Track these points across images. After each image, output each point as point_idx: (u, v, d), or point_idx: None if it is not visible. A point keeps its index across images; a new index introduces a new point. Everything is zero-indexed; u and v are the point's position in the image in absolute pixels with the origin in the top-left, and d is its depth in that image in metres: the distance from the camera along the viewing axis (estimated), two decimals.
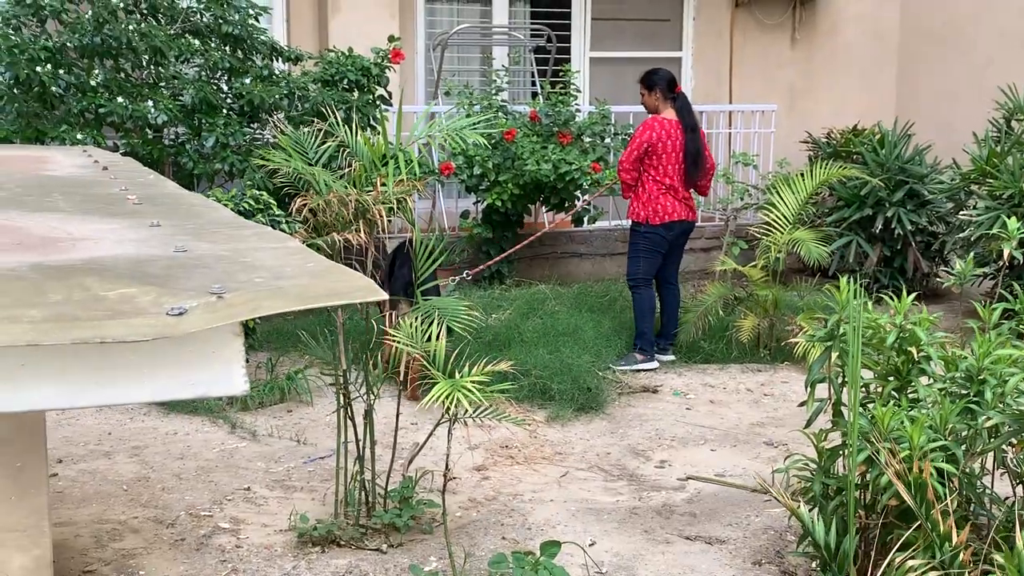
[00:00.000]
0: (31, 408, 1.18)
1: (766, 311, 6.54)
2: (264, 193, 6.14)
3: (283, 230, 6.00)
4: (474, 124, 4.50)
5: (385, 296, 1.35)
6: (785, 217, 6.54)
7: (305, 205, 4.49)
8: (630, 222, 6.33)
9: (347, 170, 4.85)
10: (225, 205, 5.86)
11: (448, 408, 3.79)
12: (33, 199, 2.33)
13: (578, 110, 8.26)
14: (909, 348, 3.64)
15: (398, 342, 3.91)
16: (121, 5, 6.49)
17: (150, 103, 6.39)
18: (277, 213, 6.11)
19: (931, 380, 3.60)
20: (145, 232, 1.84)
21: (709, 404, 5.85)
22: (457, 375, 3.77)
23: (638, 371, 6.23)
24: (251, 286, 1.35)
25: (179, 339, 1.22)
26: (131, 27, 6.43)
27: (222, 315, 1.23)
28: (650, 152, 6.16)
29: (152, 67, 6.68)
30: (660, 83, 6.26)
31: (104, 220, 2.01)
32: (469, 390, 3.60)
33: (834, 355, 3.75)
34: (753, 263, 6.69)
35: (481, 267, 7.12)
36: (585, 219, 8.23)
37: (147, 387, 1.27)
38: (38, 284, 1.37)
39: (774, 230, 6.53)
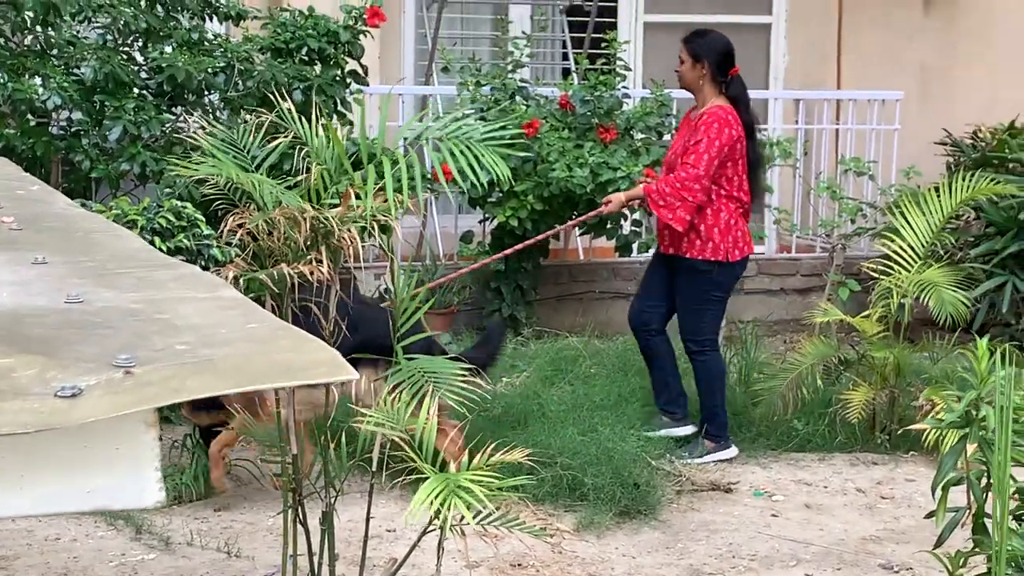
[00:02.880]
0: None
1: (884, 380, 6.54)
2: (188, 205, 6.20)
3: (214, 257, 6.05)
4: (492, 132, 4.53)
5: (355, 376, 1.37)
6: (912, 249, 6.55)
7: (241, 225, 4.53)
8: (693, 261, 6.17)
9: (303, 177, 4.90)
10: (134, 221, 5.92)
11: (438, 512, 3.80)
12: None
13: (626, 95, 8.32)
14: None
15: (371, 420, 3.92)
16: None
17: (37, 79, 6.48)
18: (205, 233, 6.16)
19: None
20: (26, 272, 1.87)
21: (803, 509, 5.82)
22: (452, 467, 3.78)
23: (707, 463, 6.23)
24: (171, 356, 1.38)
25: (71, 431, 1.24)
26: None
27: (131, 399, 1.25)
28: (726, 158, 6.15)
29: (39, 28, 6.77)
30: (712, 54, 6.17)
31: None
32: (469, 490, 3.61)
33: (972, 447, 3.75)
34: (867, 312, 6.69)
35: (448, 276, 7.14)
36: (634, 246, 8.26)
37: (25, 496, 1.28)
38: None
39: (897, 267, 6.53)
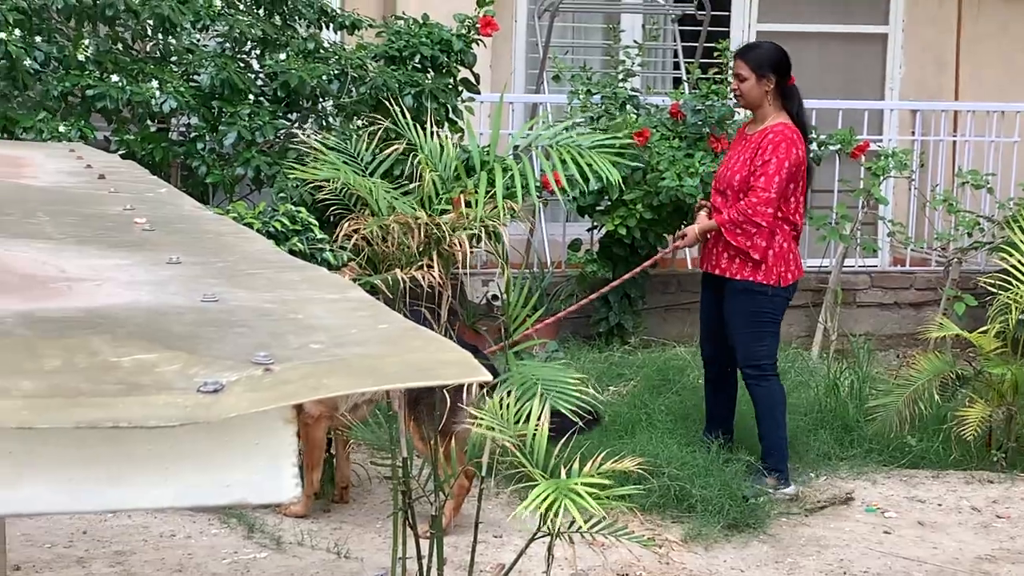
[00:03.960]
0: (18, 512, 1.24)
1: (1002, 397, 6.44)
2: (302, 210, 6.30)
3: (327, 261, 6.14)
4: (602, 140, 4.55)
5: (488, 376, 1.39)
6: None
7: (356, 231, 4.61)
8: (745, 283, 5.93)
9: (416, 185, 4.96)
10: (249, 225, 6.03)
11: (546, 519, 3.82)
12: (11, 219, 2.45)
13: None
14: None
15: (481, 424, 3.96)
16: None
17: (155, 83, 6.63)
18: (319, 237, 6.25)
19: None
20: (162, 272, 1.92)
21: (917, 527, 5.77)
22: (563, 473, 3.80)
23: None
24: (307, 355, 1.41)
25: (212, 426, 1.27)
26: None
27: (272, 395, 1.28)
28: (790, 179, 5.90)
29: (159, 36, 6.94)
30: (775, 65, 5.96)
31: (107, 253, 2.10)
32: (580, 495, 3.63)
33: None
34: (984, 328, 6.59)
35: (571, 308, 6.90)
36: None
37: (170, 488, 1.33)
38: (29, 343, 1.44)
39: (1016, 282, 6.43)
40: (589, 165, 4.51)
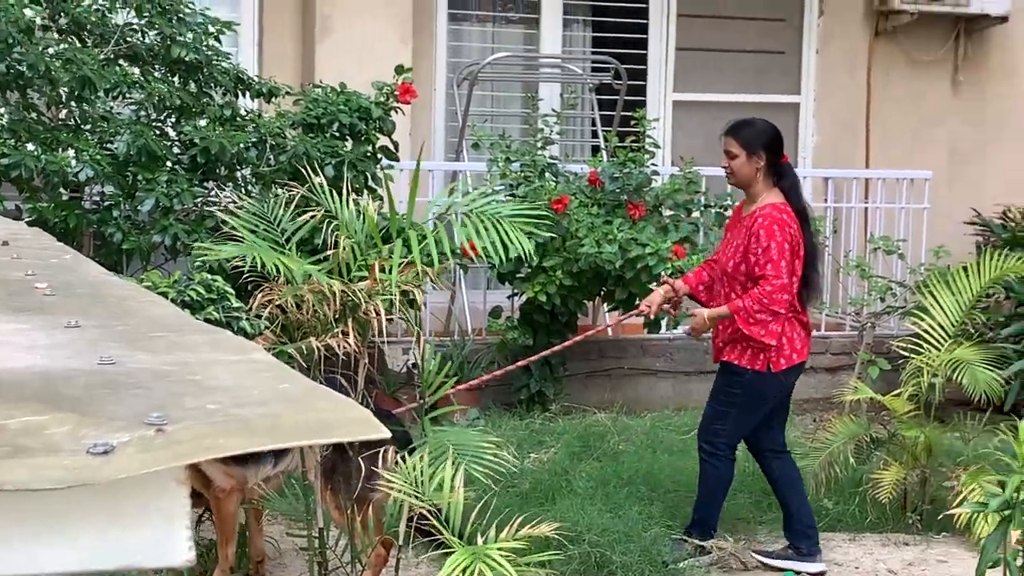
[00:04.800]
0: None
1: (916, 459, 6.49)
2: (218, 279, 6.23)
3: (243, 330, 6.08)
4: (519, 210, 4.57)
5: (388, 434, 1.38)
6: (943, 328, 6.54)
7: (271, 300, 4.58)
8: (729, 364, 5.78)
9: (333, 252, 4.94)
10: (164, 294, 5.96)
11: None
12: None
13: (655, 172, 8.37)
14: None
15: (397, 490, 3.93)
16: (36, 20, 6.71)
17: (71, 152, 6.55)
18: (235, 306, 6.18)
19: None
20: (60, 335, 1.88)
21: None
22: (480, 540, 3.77)
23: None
24: (203, 415, 1.38)
25: (105, 489, 1.24)
26: (49, 49, 6.64)
27: (164, 455, 1.26)
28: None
29: (75, 104, 6.87)
30: (765, 142, 5.78)
31: (6, 317, 2.05)
32: (496, 562, 3.60)
33: (1016, 532, 3.72)
34: (898, 391, 6.66)
35: (494, 373, 6.86)
36: (663, 322, 8.26)
37: (59, 552, 1.29)
38: None
39: (927, 346, 6.51)
40: (505, 234, 4.52)
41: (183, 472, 1.31)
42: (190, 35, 7.09)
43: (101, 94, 6.86)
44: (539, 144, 8.44)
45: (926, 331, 6.58)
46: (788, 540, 5.97)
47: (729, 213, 8.33)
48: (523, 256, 7.63)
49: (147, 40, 7.15)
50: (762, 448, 6.04)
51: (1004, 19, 10.13)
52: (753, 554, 5.95)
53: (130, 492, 1.28)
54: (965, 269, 6.74)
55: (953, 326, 6.54)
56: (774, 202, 5.70)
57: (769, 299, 5.60)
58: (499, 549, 3.70)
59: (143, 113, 7.07)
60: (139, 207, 6.72)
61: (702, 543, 5.91)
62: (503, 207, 4.65)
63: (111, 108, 7.08)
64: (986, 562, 3.68)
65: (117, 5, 7.05)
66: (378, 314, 4.42)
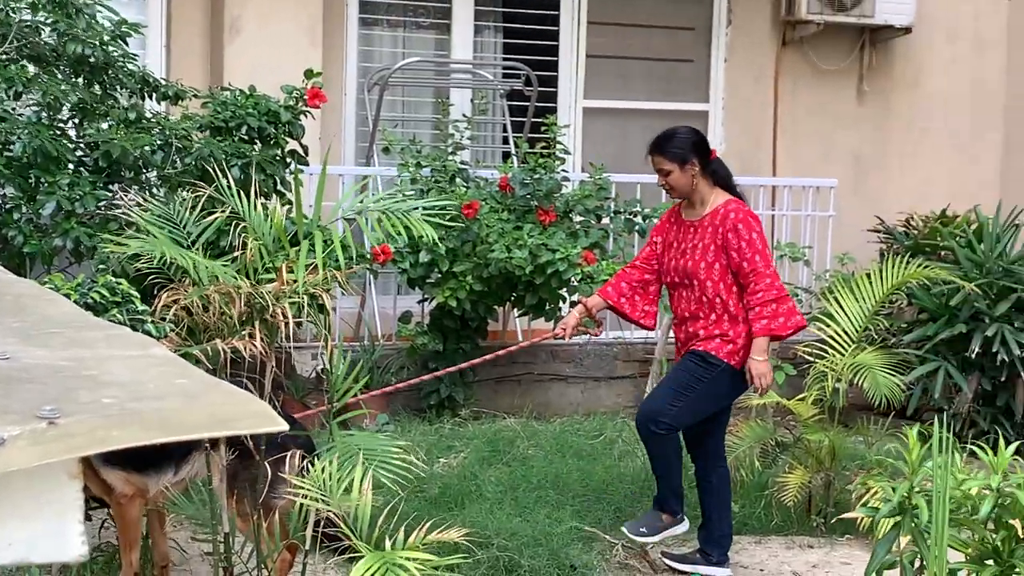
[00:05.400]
0: None
1: (820, 463, 6.58)
2: (123, 281, 6.15)
3: (148, 333, 6.00)
4: (428, 207, 4.57)
5: (286, 426, 1.36)
6: (847, 333, 6.63)
7: (176, 301, 4.52)
8: (704, 353, 5.67)
9: (240, 254, 4.90)
10: (67, 296, 5.87)
11: None
12: None
13: (566, 178, 8.40)
14: (1011, 521, 3.67)
15: (304, 496, 3.90)
16: None
17: None
18: (140, 309, 6.10)
19: None
20: None
21: None
22: (388, 544, 3.75)
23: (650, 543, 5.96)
24: (98, 409, 1.37)
25: None
26: None
27: (55, 448, 1.24)
28: None
29: None
30: (692, 149, 5.73)
31: None
32: (405, 568, 3.59)
33: (905, 538, 3.78)
34: (802, 396, 6.74)
35: (397, 385, 6.82)
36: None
37: None
38: None
39: (832, 351, 6.60)
40: (407, 229, 4.51)
41: (76, 466, 1.29)
42: (88, 31, 6.96)
43: (0, 93, 6.74)
44: (450, 149, 8.44)
45: (831, 337, 6.66)
46: (700, 545, 5.97)
47: (640, 220, 8.41)
48: (438, 258, 7.66)
49: (46, 38, 7.02)
50: (707, 453, 5.94)
51: (908, 30, 10.31)
52: (662, 556, 5.98)
53: (21, 486, 1.26)
54: (869, 276, 6.83)
55: (857, 332, 6.63)
56: (731, 199, 5.71)
57: (776, 289, 5.58)
58: (408, 555, 3.68)
59: (43, 114, 6.96)
60: (41, 210, 6.61)
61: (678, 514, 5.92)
62: (412, 202, 4.63)
63: (10, 109, 6.95)
64: (875, 565, 3.74)
65: (20, 5, 6.93)
66: (286, 317, 4.38)
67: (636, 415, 5.90)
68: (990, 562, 3.71)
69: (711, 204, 5.72)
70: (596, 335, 6.36)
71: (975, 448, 4.11)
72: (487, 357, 6.91)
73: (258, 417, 1.34)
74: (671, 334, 8.54)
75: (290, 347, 7.27)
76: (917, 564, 3.88)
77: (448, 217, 7.81)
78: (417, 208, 4.61)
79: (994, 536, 3.69)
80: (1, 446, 1.23)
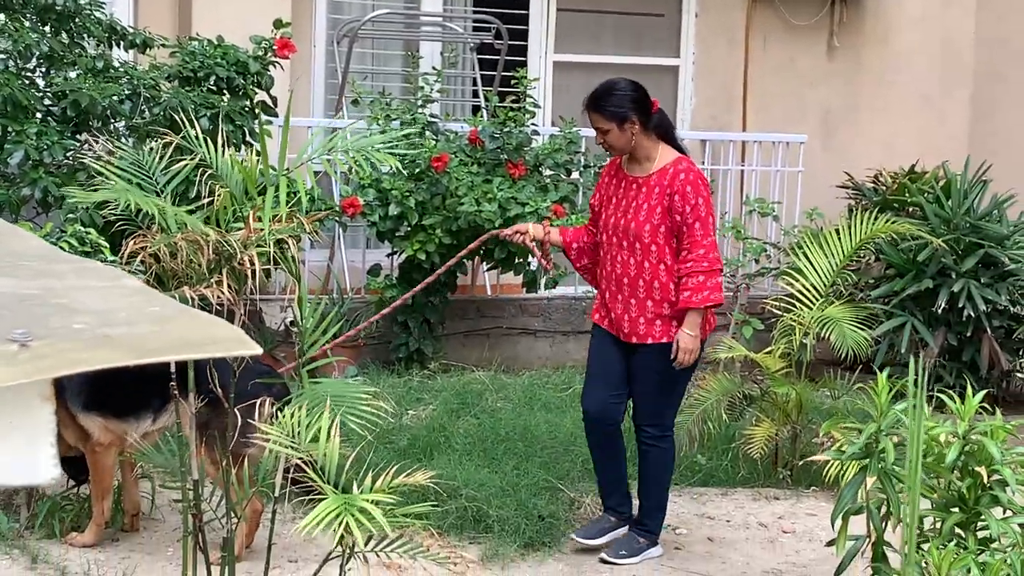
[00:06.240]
0: None
1: (787, 416, 6.62)
2: (92, 231, 6.13)
3: None
4: (390, 142, 4.56)
5: (259, 350, 1.37)
6: (815, 288, 6.65)
7: (144, 248, 4.52)
8: (662, 345, 5.37)
9: (208, 201, 4.90)
10: None
11: (340, 537, 3.77)
12: None
13: (535, 132, 8.39)
14: (977, 468, 3.72)
15: (273, 442, 3.90)
16: None
17: None
18: (109, 259, 6.09)
19: (1008, 512, 3.67)
20: None
21: (706, 543, 5.87)
22: (355, 491, 3.76)
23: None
24: (69, 334, 1.37)
25: None
26: None
27: (25, 369, 1.24)
28: None
29: None
30: (630, 105, 5.33)
31: None
32: (366, 512, 3.58)
33: (871, 479, 3.82)
34: (770, 349, 6.77)
35: (369, 320, 6.66)
36: (541, 282, 8.31)
37: None
38: None
39: (799, 305, 6.63)
40: (372, 164, 4.51)
41: (48, 388, 1.30)
42: None
43: None
44: (419, 102, 8.41)
45: (799, 292, 6.68)
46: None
47: None
48: (407, 211, 7.64)
49: None
50: (616, 418, 5.60)
51: None
52: (604, 555, 5.57)
53: None
54: (837, 231, 6.86)
55: (824, 286, 6.66)
56: (681, 157, 5.40)
57: (709, 261, 5.27)
58: (372, 498, 3.68)
59: (11, 62, 6.90)
60: (8, 159, 6.57)
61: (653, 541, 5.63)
62: (376, 137, 4.61)
63: None
64: (841, 508, 3.79)
65: None
66: (253, 264, 4.37)
67: (635, 428, 5.59)
68: (955, 509, 3.76)
69: (658, 161, 5.37)
70: (547, 267, 6.00)
71: (942, 397, 4.15)
72: (462, 253, 6.40)
73: (230, 341, 1.35)
74: None
75: (259, 300, 7.26)
76: (883, 511, 3.94)
77: (418, 170, 7.82)
78: (380, 143, 4.58)
79: (959, 483, 3.73)
80: None
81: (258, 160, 7.02)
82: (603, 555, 5.53)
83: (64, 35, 7.09)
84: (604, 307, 5.54)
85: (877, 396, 3.81)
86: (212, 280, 4.35)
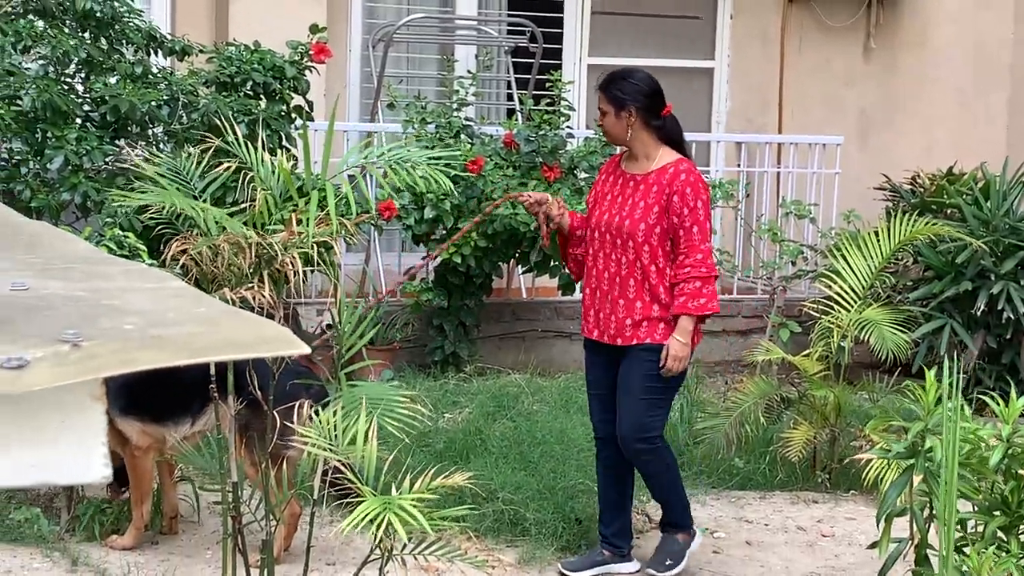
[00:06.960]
0: None
1: (825, 419, 6.59)
2: (130, 235, 6.17)
3: None
4: (435, 156, 4.55)
5: (307, 349, 1.38)
6: (853, 290, 6.63)
7: (184, 251, 4.54)
8: (647, 346, 5.19)
9: (247, 205, 4.91)
10: None
11: (379, 539, 3.79)
12: None
13: (570, 135, 8.39)
14: (1021, 471, 3.69)
15: (311, 445, 3.92)
16: None
17: None
18: (148, 262, 6.13)
19: None
20: None
21: (745, 547, 5.86)
22: (393, 491, 3.78)
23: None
24: (119, 334, 1.38)
25: (18, 406, 1.23)
26: None
27: (78, 369, 1.25)
28: None
29: None
30: (637, 97, 5.20)
31: None
32: (408, 512, 3.60)
33: (917, 479, 3.80)
34: (808, 352, 6.75)
35: (418, 264, 6.42)
36: (577, 285, 8.30)
37: None
38: None
39: (837, 308, 6.61)
40: (423, 178, 4.51)
41: (99, 388, 1.31)
42: None
43: (8, 48, 6.74)
44: (454, 106, 8.42)
45: (836, 294, 6.66)
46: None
47: None
48: (443, 214, 7.66)
49: None
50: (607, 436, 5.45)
51: None
52: (650, 570, 5.45)
53: (46, 409, 1.27)
54: (875, 233, 6.84)
55: (862, 289, 6.64)
56: (682, 158, 5.25)
57: (707, 267, 5.13)
58: (412, 500, 3.70)
59: (50, 69, 6.96)
60: (48, 164, 6.63)
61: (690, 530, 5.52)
62: (418, 152, 4.62)
63: (18, 63, 6.95)
64: (887, 508, 3.76)
65: None
66: (294, 266, 4.39)
67: (620, 440, 5.30)
68: (998, 513, 3.73)
69: (658, 160, 5.22)
70: (544, 245, 5.90)
71: (984, 399, 4.12)
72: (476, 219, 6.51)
73: (278, 341, 1.36)
74: None
75: (296, 303, 7.29)
76: (926, 513, 3.91)
77: (453, 173, 7.83)
78: (424, 158, 4.59)
79: (1003, 485, 3.71)
80: (24, 368, 1.25)
81: (294, 164, 7.08)
82: (649, 570, 5.40)
83: (103, 41, 7.14)
84: (590, 311, 5.38)
85: (924, 395, 3.78)
86: (253, 282, 4.36)
